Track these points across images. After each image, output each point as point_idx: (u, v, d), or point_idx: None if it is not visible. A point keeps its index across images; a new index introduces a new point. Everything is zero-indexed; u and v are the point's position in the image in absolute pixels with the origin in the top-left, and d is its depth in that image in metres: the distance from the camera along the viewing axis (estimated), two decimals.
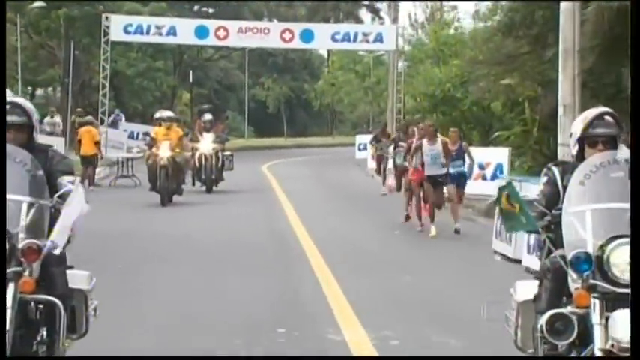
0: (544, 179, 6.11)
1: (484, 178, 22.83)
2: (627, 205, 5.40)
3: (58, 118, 33.69)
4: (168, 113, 23.66)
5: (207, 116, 25.25)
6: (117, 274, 11.42)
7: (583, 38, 19.59)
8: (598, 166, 5.73)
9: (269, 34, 32.83)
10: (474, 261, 13.51)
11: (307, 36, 32.94)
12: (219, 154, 24.32)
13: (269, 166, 38.55)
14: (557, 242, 5.80)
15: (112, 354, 7.62)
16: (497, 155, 23.12)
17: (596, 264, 5.38)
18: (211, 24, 33.45)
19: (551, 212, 5.85)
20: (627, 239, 5.33)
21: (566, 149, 18.03)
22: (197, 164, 23.94)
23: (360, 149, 40.22)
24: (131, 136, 35.50)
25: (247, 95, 69.95)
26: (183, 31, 32.59)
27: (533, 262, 11.41)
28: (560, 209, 5.79)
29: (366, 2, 73.39)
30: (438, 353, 7.93)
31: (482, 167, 23.05)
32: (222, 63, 69.14)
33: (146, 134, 24.08)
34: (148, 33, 32.70)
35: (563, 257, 5.59)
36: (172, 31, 32.49)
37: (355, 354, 7.87)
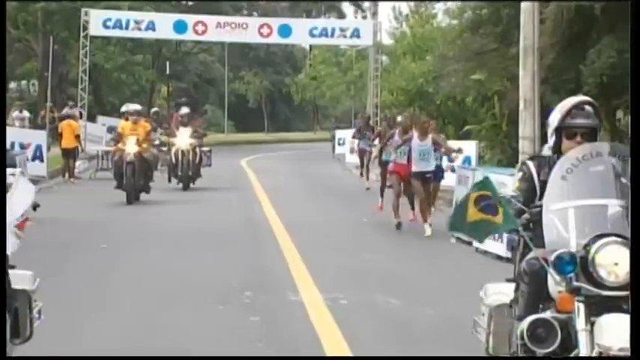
0: (519, 174, 6.04)
1: (453, 170, 24.68)
2: (612, 201, 5.29)
3: (26, 113, 35.10)
4: (136, 106, 23.26)
5: (184, 110, 25.30)
6: (100, 255, 13.28)
7: (543, 36, 21.54)
8: (580, 160, 5.52)
9: (247, 29, 34.72)
10: (435, 245, 15.25)
11: (285, 31, 34.84)
12: (197, 149, 24.21)
13: (248, 160, 40.36)
14: (535, 242, 5.62)
15: (97, 324, 9.47)
16: (466, 148, 24.96)
17: (580, 265, 5.20)
18: (190, 19, 35.37)
19: (529, 209, 5.77)
20: (613, 238, 5.20)
21: (527, 142, 20.15)
22: (173, 160, 23.90)
23: (339, 144, 42.09)
24: (110, 130, 37.25)
25: (227, 89, 71.58)
26: (162, 25, 34.47)
27: (492, 246, 13.15)
28: (538, 206, 5.71)
29: None
30: (380, 311, 9.78)
31: (451, 160, 24.90)
32: (202, 56, 70.40)
33: (112, 128, 23.78)
34: (127, 27, 34.56)
35: (543, 258, 5.43)
36: (151, 26, 34.36)
37: (309, 312, 9.70)
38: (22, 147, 23.75)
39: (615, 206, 5.27)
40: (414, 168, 16.53)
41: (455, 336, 8.34)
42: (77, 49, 40.83)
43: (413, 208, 17.37)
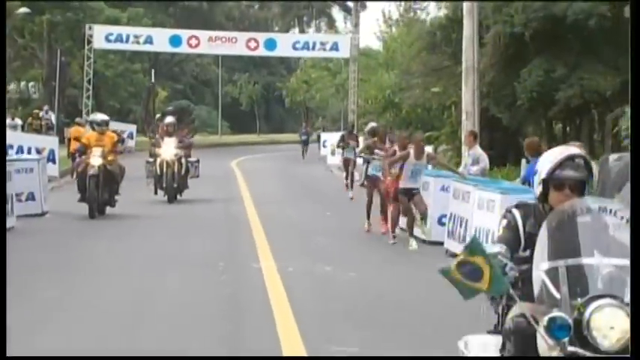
0: (504, 222, 5.84)
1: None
2: (605, 260, 5.12)
3: (18, 120, 38.64)
4: (103, 116, 22.34)
5: (170, 119, 25.05)
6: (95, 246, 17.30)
7: (485, 57, 25.70)
8: (571, 216, 5.34)
9: (236, 43, 38.81)
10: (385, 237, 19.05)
11: (270, 45, 38.92)
12: (183, 160, 23.89)
13: (239, 161, 44.37)
14: (522, 299, 5.41)
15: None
16: None
17: (574, 328, 4.97)
18: (184, 33, 39.50)
19: (514, 262, 5.59)
20: (608, 300, 4.99)
21: (466, 149, 24.04)
22: (158, 171, 23.56)
23: (324, 146, 46.02)
24: None
25: (221, 92, 75.37)
26: (159, 39, 38.57)
27: (452, 244, 15.65)
28: (523, 258, 5.62)
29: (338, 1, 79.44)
30: (315, 274, 13.72)
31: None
32: (197, 59, 74.14)
33: (77, 139, 22.01)
34: (127, 41, 38.67)
35: (532, 317, 5.22)
36: (149, 40, 38.46)
37: (265, 277, 13.62)
38: (38, 151, 27.63)
39: (609, 265, 5.08)
40: (402, 184, 16.85)
41: (369, 292, 12.34)
42: (79, 57, 45.02)
43: (385, 220, 18.00)
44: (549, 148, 23.27)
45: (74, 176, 28.25)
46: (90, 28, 38.78)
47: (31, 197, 20.47)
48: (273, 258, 15.11)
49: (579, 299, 5.00)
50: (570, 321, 4.96)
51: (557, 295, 5.10)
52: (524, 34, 24.38)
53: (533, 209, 5.76)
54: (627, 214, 5.21)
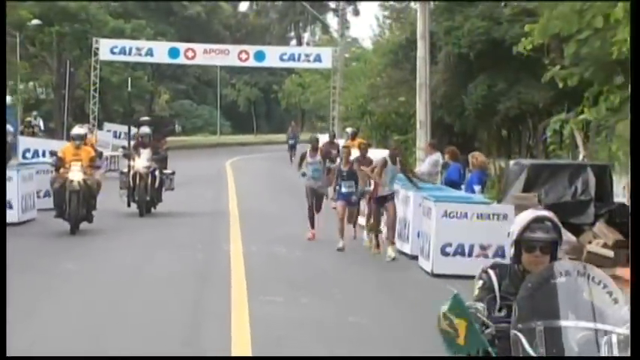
0: (479, 283, 5.98)
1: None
2: (581, 324, 5.26)
3: (10, 128, 42.45)
4: (79, 131, 21.88)
5: (145, 130, 24.52)
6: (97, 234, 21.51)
7: (437, 74, 29.89)
8: (548, 278, 5.47)
9: (229, 55, 43.07)
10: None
11: (260, 56, 43.16)
12: (157, 172, 23.62)
13: (232, 161, 48.52)
14: (499, 355, 5.62)
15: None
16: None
17: None
18: (181, 46, 43.81)
19: (491, 321, 5.68)
20: None
21: (422, 152, 28.22)
22: (131, 183, 23.29)
23: None
24: (115, 136, 45.53)
25: (220, 93, 79.22)
26: (159, 52, 42.89)
27: (403, 246, 18.18)
28: (501, 318, 5.73)
29: (332, 5, 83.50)
30: (272, 255, 17.87)
31: None
32: None
33: (52, 153, 21.95)
34: (130, 53, 42.94)
35: None
36: (150, 52, 42.76)
37: (231, 254, 17.73)
38: (52, 154, 31.62)
39: (584, 328, 5.24)
40: (381, 192, 17.34)
41: (311, 267, 16.54)
42: (86, 65, 49.28)
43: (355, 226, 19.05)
44: (496, 150, 27.83)
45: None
46: (97, 41, 43.11)
47: (48, 194, 22.60)
48: (241, 240, 19.30)
49: None
50: None
51: (534, 354, 5.25)
52: (470, 55, 28.53)
53: (508, 270, 5.90)
54: (607, 281, 5.42)
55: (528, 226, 5.80)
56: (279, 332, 11.33)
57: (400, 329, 11.87)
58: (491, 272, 5.95)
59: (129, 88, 30.11)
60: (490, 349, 5.51)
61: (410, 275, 15.92)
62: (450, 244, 15.56)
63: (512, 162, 19.93)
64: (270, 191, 32.41)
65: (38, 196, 23.01)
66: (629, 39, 10.95)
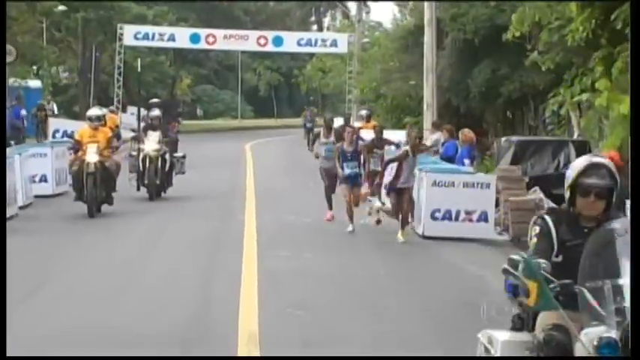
0: (536, 229, 6.09)
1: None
2: None
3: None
4: (96, 111, 21.72)
5: (155, 112, 24.35)
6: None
7: (444, 59, 32.00)
8: (611, 236, 5.49)
9: (248, 40, 45.31)
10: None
11: (278, 41, 45.38)
12: (167, 155, 23.44)
13: (252, 144, 50.71)
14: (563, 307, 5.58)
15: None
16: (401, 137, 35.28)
17: (622, 347, 5.14)
18: (202, 32, 46.10)
19: (552, 269, 5.68)
20: None
21: (428, 132, 30.37)
22: (141, 167, 23.11)
23: None
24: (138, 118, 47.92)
25: (240, 77, 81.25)
26: (180, 37, 45.17)
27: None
28: (556, 264, 5.83)
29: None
30: (281, 221, 20.08)
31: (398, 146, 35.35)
32: None
33: (70, 136, 20.89)
34: (153, 39, 45.27)
35: (571, 328, 5.50)
36: (172, 38, 45.08)
37: (245, 222, 19.96)
38: (70, 137, 32.97)
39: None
40: (399, 184, 17.49)
41: (316, 229, 18.79)
42: (110, 50, 51.66)
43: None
44: (502, 130, 30.32)
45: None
46: (121, 27, 45.50)
47: (44, 179, 22.73)
48: (255, 212, 21.55)
49: (623, 317, 5.17)
50: (618, 340, 5.16)
51: (603, 312, 5.29)
52: (475, 40, 30.62)
53: (565, 215, 6.07)
54: None
55: (584, 171, 5.94)
56: (284, 279, 13.57)
57: (391, 279, 14.05)
58: (547, 218, 6.13)
59: (138, 69, 31.69)
60: (561, 310, 5.55)
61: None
62: (439, 210, 17.75)
63: (503, 139, 22.12)
64: (285, 171, 34.54)
65: (33, 181, 22.10)
66: (580, 28, 13.10)
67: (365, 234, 18.67)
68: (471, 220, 17.32)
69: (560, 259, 5.93)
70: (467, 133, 19.97)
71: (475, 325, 6.79)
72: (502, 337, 6.13)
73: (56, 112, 46.42)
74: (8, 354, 7.85)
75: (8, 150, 21.23)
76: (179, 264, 14.83)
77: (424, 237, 17.72)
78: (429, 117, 30.42)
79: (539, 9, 16.21)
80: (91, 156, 19.86)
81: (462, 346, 8.22)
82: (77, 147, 20.41)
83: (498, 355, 6.10)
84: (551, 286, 5.62)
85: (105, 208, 20.28)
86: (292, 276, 13.87)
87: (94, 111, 21.80)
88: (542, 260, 5.68)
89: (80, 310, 11.42)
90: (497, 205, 18.61)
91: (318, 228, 19.35)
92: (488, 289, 11.75)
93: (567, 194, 6.05)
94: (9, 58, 34.59)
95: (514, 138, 21.77)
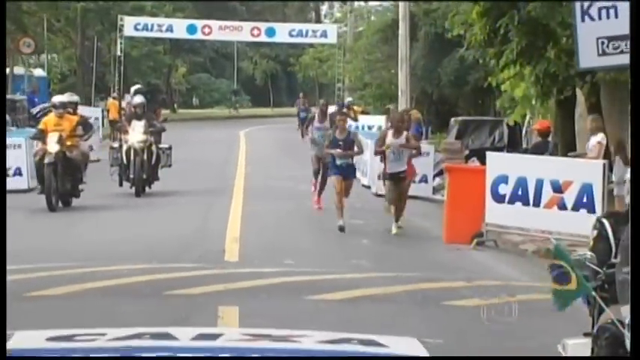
0: (594, 233, 6.62)
1: None
2: None
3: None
4: (61, 98, 21.56)
5: (138, 99, 23.59)
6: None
7: (417, 50, 38.22)
8: None
9: (242, 31, 51.54)
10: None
11: (270, 32, 51.56)
12: (153, 147, 22.72)
13: (246, 131, 56.44)
14: (611, 300, 6.26)
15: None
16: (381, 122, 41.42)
17: None
18: (199, 23, 52.33)
19: (604, 269, 6.33)
20: None
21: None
22: (124, 160, 22.33)
23: None
24: None
25: (236, 66, 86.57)
26: (178, 28, 51.52)
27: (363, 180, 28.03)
28: (613, 265, 6.36)
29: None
30: (273, 209, 26.15)
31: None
32: None
33: (34, 126, 21.74)
34: (151, 29, 51.55)
35: (619, 321, 6.03)
36: (170, 29, 51.39)
37: (235, 186, 26.00)
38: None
39: None
40: (390, 169, 18.20)
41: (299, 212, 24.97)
42: (108, 39, 57.89)
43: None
44: (474, 114, 36.96)
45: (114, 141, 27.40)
46: (121, 19, 51.73)
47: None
48: (244, 179, 27.67)
49: None
50: None
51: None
52: (444, 33, 36.82)
53: (624, 217, 6.45)
54: None
55: None
56: (263, 220, 19.69)
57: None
58: (605, 222, 6.68)
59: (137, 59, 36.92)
60: (594, 293, 6.22)
61: (363, 196, 24.19)
62: None
63: (452, 120, 28.37)
64: (277, 158, 39.58)
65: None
66: (479, 32, 19.18)
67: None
68: (414, 182, 23.24)
69: (619, 259, 6.38)
70: (415, 113, 26.03)
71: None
72: (571, 341, 6.99)
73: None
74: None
75: None
76: (179, 209, 21.00)
77: (377, 195, 23.75)
78: (403, 103, 36.50)
79: (466, 13, 22.27)
80: (52, 145, 19.70)
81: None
82: (41, 136, 20.31)
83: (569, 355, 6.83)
84: (598, 276, 6.45)
85: (75, 201, 20.37)
86: (270, 217, 20.02)
87: (59, 97, 21.84)
88: (588, 252, 6.60)
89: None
90: (442, 172, 24.62)
91: (295, 189, 25.34)
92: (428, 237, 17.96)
93: (628, 197, 6.49)
94: (28, 50, 40.57)
95: (459, 118, 27.98)
